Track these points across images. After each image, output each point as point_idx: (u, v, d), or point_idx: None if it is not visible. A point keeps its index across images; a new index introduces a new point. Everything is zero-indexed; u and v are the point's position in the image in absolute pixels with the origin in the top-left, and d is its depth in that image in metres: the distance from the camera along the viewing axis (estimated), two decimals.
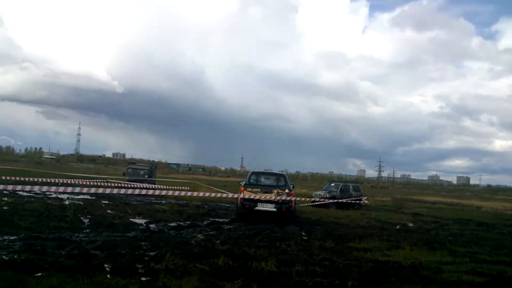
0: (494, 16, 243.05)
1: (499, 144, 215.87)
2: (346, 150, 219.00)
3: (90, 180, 26.29)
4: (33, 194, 17.29)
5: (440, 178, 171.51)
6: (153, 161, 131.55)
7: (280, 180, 16.64)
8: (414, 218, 22.64)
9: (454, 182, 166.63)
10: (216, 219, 15.50)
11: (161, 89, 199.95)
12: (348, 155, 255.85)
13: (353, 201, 25.87)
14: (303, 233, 13.15)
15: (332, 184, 30.24)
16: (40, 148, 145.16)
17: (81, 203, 17.23)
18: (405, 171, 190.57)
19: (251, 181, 15.98)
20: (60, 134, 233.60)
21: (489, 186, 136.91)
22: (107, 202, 18.81)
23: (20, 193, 17.86)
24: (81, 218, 12.72)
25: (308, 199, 24.28)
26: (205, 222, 14.27)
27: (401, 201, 38.58)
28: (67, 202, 16.83)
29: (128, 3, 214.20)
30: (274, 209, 14.81)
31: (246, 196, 14.57)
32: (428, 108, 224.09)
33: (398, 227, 17.50)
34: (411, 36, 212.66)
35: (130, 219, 13.52)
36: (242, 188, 14.88)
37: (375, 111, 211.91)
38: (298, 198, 17.42)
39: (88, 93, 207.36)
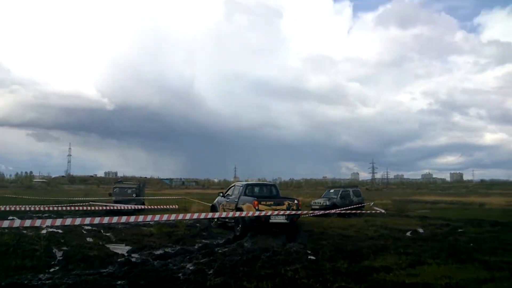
0: (475, 9, 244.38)
1: (489, 137, 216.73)
2: (339, 153, 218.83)
3: (71, 206, 24.48)
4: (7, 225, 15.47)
5: (434, 176, 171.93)
6: (145, 177, 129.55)
7: (273, 190, 18.13)
8: (423, 222, 21.37)
9: (448, 179, 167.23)
10: (209, 241, 13.82)
11: (151, 104, 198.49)
12: (341, 158, 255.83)
13: (357, 210, 23.72)
14: (309, 252, 11.54)
15: (332, 191, 28.46)
16: (31, 172, 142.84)
17: (60, 230, 15.53)
18: (398, 171, 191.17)
19: (247, 193, 16.72)
20: (51, 156, 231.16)
21: (482, 181, 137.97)
22: (89, 227, 17.11)
23: None
24: (54, 251, 11.01)
25: (309, 212, 22.36)
26: (196, 246, 12.54)
27: (402, 203, 37.21)
28: (44, 231, 15.12)
29: (112, 19, 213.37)
30: (286, 221, 15.20)
31: (261, 211, 14.43)
32: (417, 105, 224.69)
33: (409, 233, 16.42)
34: (396, 34, 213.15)
35: (111, 248, 11.84)
36: (256, 202, 14.99)
37: (365, 112, 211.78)
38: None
39: (79, 112, 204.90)
